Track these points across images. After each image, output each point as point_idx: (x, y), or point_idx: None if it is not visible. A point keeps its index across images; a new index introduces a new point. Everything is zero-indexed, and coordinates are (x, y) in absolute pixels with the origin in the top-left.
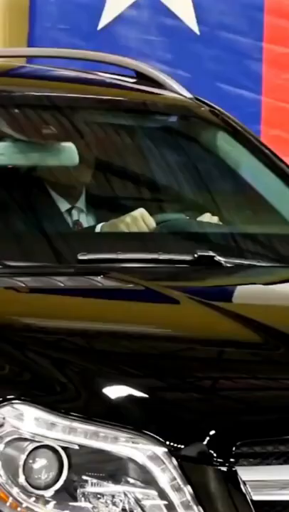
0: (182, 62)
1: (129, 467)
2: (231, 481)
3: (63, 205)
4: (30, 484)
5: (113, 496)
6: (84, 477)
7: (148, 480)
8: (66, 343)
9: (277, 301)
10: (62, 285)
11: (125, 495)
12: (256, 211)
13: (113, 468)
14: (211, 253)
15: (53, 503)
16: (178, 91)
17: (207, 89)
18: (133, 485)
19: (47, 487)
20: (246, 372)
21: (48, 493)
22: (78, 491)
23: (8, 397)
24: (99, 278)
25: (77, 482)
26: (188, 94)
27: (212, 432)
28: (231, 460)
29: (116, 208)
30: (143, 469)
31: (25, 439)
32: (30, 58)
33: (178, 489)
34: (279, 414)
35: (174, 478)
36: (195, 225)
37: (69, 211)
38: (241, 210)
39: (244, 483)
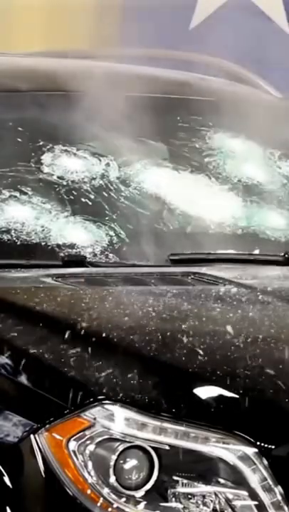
0: (273, 62)
1: (220, 467)
2: None
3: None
4: (120, 484)
5: (204, 497)
6: (174, 477)
7: (238, 480)
8: (156, 344)
9: None
10: (154, 285)
11: (216, 495)
12: None
13: (204, 469)
14: None
15: (143, 503)
16: (268, 91)
17: None
18: (224, 485)
19: (137, 487)
20: None
21: (139, 494)
22: (169, 491)
23: (99, 397)
24: (189, 278)
25: (168, 482)
26: (279, 95)
27: None
28: None
29: (207, 208)
30: (233, 470)
31: (116, 440)
32: (119, 59)
33: (268, 489)
34: None
35: (265, 479)
36: None
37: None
38: None
39: None
